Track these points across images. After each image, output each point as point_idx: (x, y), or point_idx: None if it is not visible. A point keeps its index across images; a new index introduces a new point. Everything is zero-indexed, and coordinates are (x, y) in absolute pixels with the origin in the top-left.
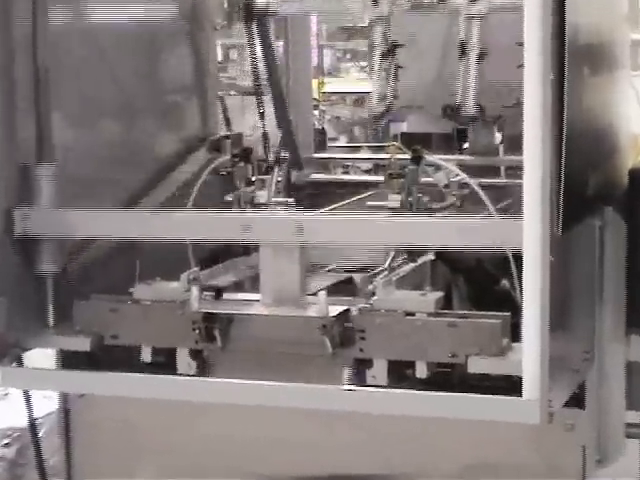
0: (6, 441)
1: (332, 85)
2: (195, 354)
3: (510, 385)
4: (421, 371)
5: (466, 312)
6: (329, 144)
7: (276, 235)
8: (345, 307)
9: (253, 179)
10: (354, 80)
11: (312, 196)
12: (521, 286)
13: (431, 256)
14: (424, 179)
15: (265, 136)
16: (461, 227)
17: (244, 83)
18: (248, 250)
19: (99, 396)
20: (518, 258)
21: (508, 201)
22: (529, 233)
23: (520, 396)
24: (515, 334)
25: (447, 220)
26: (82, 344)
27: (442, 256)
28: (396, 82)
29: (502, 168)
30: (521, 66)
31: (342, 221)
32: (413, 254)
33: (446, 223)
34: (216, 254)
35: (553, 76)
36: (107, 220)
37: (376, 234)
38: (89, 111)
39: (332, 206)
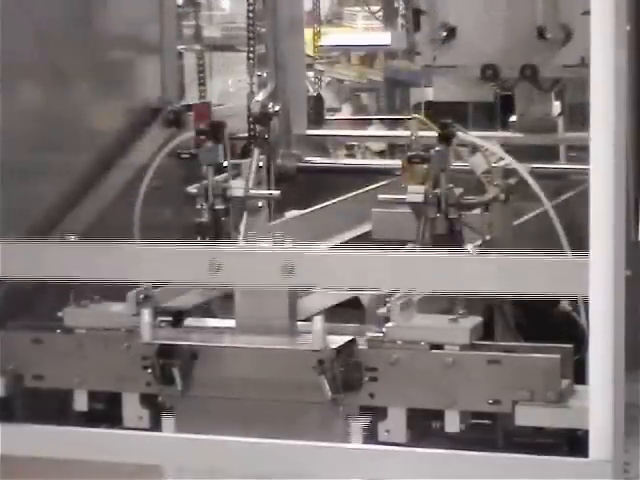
0: None
1: (332, 37)
2: (147, 401)
3: (572, 442)
4: (452, 424)
5: (513, 344)
6: (328, 116)
7: (257, 277)
8: (349, 337)
9: (225, 164)
10: (362, 30)
11: (304, 188)
12: (587, 309)
13: None
14: (456, 164)
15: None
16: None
17: (213, 35)
18: None
19: (17, 458)
20: None
21: (570, 193)
22: (597, 239)
23: (586, 456)
24: (579, 374)
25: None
26: None
27: None
28: (415, 31)
29: (562, 148)
30: (586, 13)
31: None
32: None
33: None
34: None
35: (630, 27)
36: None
37: (395, 275)
38: (6, 73)
39: (330, 201)
